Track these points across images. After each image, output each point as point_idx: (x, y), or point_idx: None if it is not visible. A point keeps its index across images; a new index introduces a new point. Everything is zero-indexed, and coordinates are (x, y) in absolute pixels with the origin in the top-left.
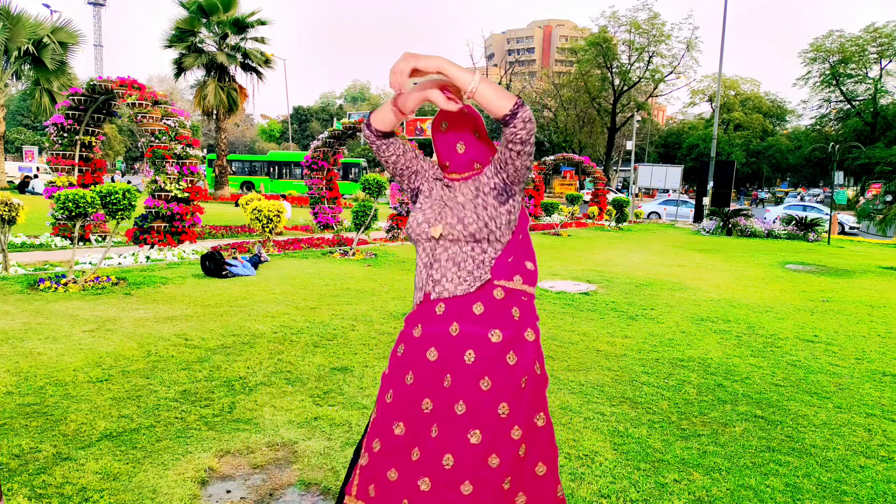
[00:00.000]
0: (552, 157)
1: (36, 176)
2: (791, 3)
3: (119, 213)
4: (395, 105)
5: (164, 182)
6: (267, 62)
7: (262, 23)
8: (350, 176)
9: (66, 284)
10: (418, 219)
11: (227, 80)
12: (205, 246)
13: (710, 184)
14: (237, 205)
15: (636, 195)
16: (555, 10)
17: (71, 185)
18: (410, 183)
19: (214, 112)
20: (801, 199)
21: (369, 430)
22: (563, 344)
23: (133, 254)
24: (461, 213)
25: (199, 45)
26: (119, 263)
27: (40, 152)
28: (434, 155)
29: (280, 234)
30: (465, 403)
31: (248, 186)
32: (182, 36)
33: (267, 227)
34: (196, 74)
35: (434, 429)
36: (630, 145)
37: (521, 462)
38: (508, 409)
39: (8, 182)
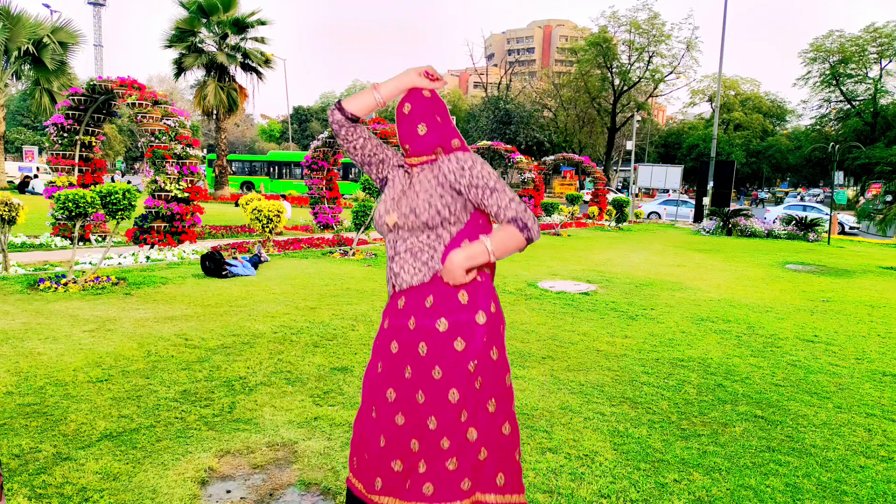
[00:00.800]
0: (552, 157)
1: (36, 176)
2: (791, 3)
3: (119, 213)
4: (377, 90)
5: (164, 182)
6: (267, 62)
7: (262, 23)
8: (350, 176)
9: (66, 284)
10: (380, 210)
11: (227, 80)
12: (205, 246)
13: (710, 184)
14: (237, 205)
15: (636, 195)
16: (555, 10)
17: (71, 185)
18: (378, 172)
19: (214, 112)
20: (801, 199)
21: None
22: (563, 344)
23: (133, 254)
24: (415, 201)
25: (199, 45)
26: (119, 263)
27: (40, 152)
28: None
29: (280, 234)
30: (423, 393)
31: (248, 186)
32: (182, 36)
33: (267, 227)
34: (196, 74)
35: (399, 417)
36: (630, 145)
37: (468, 445)
38: (458, 394)
39: (8, 182)
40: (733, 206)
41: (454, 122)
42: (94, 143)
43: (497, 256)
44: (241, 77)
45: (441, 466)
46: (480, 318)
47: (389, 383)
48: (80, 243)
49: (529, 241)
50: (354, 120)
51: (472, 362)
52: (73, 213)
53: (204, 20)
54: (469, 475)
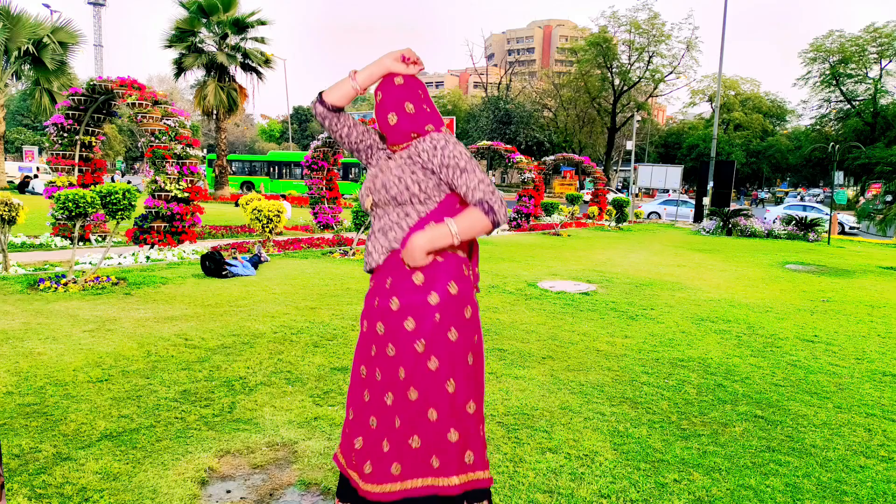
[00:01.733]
0: (552, 157)
1: (36, 176)
2: (791, 3)
3: (119, 213)
4: (354, 79)
5: (164, 182)
6: (267, 62)
7: (262, 23)
8: (350, 176)
9: (66, 284)
10: (361, 192)
11: (227, 80)
12: (205, 246)
13: (710, 184)
14: (237, 205)
15: (636, 195)
16: (555, 10)
17: (71, 185)
18: (368, 157)
19: (214, 112)
20: (801, 199)
21: None
22: (563, 344)
23: (133, 254)
24: (387, 177)
25: (199, 45)
26: (119, 263)
27: (40, 152)
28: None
29: (280, 234)
30: (380, 371)
31: (248, 186)
32: (182, 36)
33: (267, 227)
34: (196, 74)
35: (366, 393)
36: (630, 145)
37: (429, 425)
38: (405, 373)
39: (8, 182)
40: (733, 206)
41: (435, 106)
42: (94, 143)
43: (462, 238)
44: (241, 77)
45: (403, 444)
46: (433, 298)
47: (361, 361)
48: (80, 243)
49: (495, 224)
50: (337, 110)
51: (419, 341)
52: (73, 213)
53: (204, 20)
54: (436, 454)
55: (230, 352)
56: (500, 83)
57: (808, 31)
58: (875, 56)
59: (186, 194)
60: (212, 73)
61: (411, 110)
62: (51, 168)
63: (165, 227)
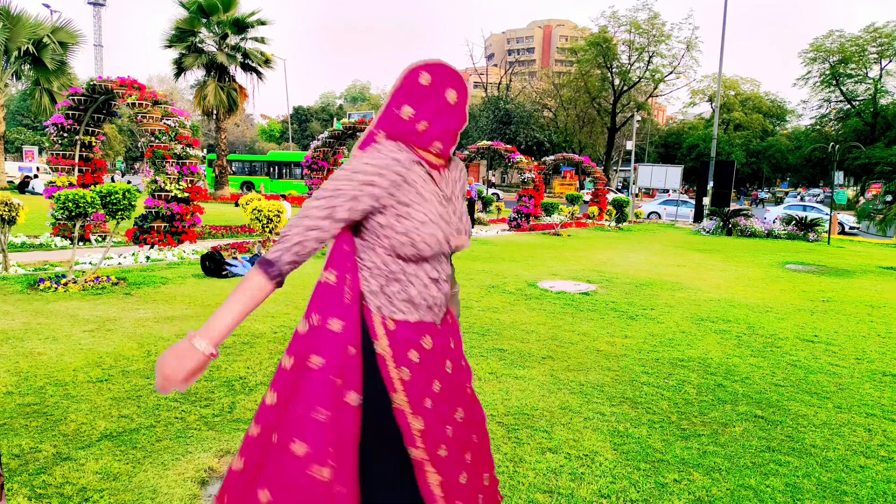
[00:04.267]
0: (552, 157)
1: (36, 176)
2: (791, 3)
3: (119, 213)
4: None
5: (164, 182)
6: (267, 62)
7: (262, 23)
8: None
9: (66, 284)
10: (444, 230)
11: (227, 80)
12: (205, 246)
13: (710, 184)
14: (237, 205)
15: (636, 195)
16: (555, 10)
17: (71, 185)
18: (391, 195)
19: (214, 112)
20: (801, 199)
21: None
22: (563, 344)
23: (133, 254)
24: (462, 211)
25: (199, 45)
26: (119, 263)
27: (40, 152)
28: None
29: (280, 234)
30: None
31: (248, 186)
32: (182, 36)
33: (267, 227)
34: (196, 74)
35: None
36: (630, 145)
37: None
38: (466, 413)
39: (8, 182)
40: (733, 206)
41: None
42: (94, 143)
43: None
44: (241, 77)
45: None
46: (302, 326)
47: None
48: (80, 243)
49: (273, 278)
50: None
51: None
52: (73, 213)
53: (204, 20)
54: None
55: (230, 352)
56: (500, 83)
57: (808, 31)
58: (875, 56)
59: (186, 194)
60: (212, 73)
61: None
62: (51, 168)
63: (165, 227)
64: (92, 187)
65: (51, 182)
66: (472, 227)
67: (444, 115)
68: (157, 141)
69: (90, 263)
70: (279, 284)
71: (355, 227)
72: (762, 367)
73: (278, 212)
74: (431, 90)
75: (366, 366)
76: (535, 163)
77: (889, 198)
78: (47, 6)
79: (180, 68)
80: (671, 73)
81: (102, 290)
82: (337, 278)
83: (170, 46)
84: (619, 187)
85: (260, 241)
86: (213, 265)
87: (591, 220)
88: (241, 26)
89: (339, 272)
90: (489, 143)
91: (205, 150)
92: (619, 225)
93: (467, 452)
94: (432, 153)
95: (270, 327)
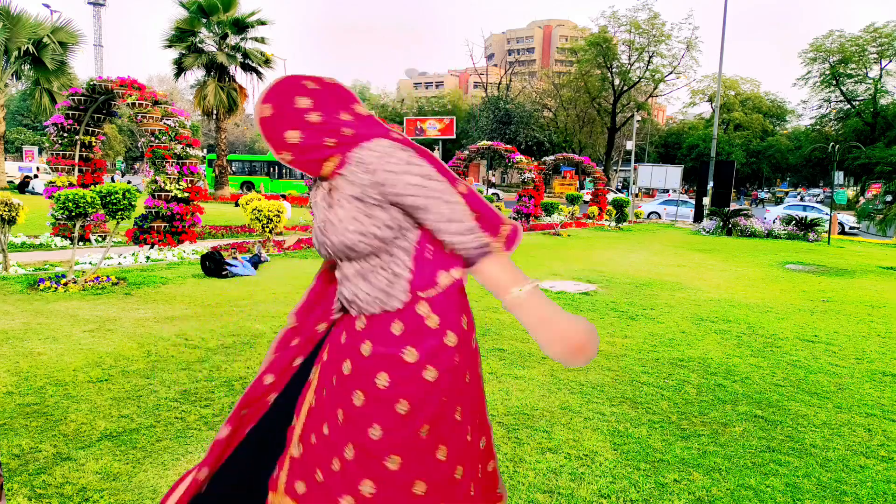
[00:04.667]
0: (552, 157)
1: (36, 176)
2: (791, 3)
3: (119, 213)
4: None
5: (164, 182)
6: (267, 62)
7: (262, 23)
8: None
9: (66, 284)
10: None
11: (227, 80)
12: (205, 246)
13: (710, 184)
14: (237, 205)
15: (636, 195)
16: (555, 10)
17: (71, 185)
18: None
19: (214, 112)
20: (801, 199)
21: None
22: None
23: (133, 254)
24: None
25: (199, 45)
26: (119, 263)
27: (40, 152)
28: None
29: (280, 233)
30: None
31: (248, 186)
32: (182, 36)
33: (267, 227)
34: (196, 74)
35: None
36: (630, 145)
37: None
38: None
39: (8, 182)
40: (733, 206)
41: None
42: (94, 143)
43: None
44: (241, 77)
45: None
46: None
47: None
48: (80, 243)
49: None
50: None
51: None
52: (73, 213)
53: (204, 20)
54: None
55: (230, 352)
56: (500, 83)
57: (808, 31)
58: (875, 56)
59: (186, 194)
60: (212, 73)
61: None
62: (51, 168)
63: (165, 227)
64: (92, 187)
65: (51, 182)
66: None
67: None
68: (157, 141)
69: (90, 263)
70: None
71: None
72: (762, 367)
73: (278, 212)
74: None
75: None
76: (535, 163)
77: (889, 198)
78: (47, 6)
79: (180, 68)
80: (671, 73)
81: (102, 290)
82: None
83: (170, 46)
84: (619, 187)
85: (260, 241)
86: (213, 265)
87: (591, 220)
88: (241, 26)
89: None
90: (489, 143)
91: (205, 150)
92: (619, 225)
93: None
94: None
95: (270, 327)
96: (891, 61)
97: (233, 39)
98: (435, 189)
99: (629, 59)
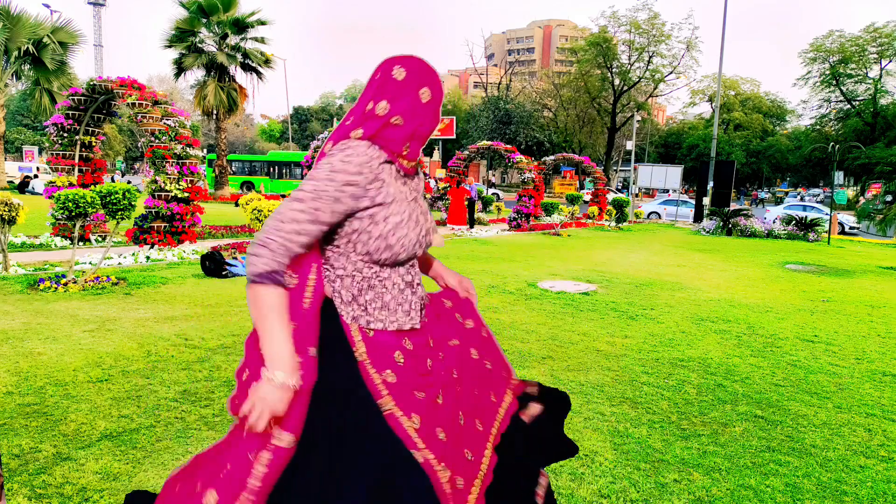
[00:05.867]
0: (552, 157)
1: (36, 176)
2: (791, 3)
3: (119, 213)
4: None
5: (164, 182)
6: (267, 62)
7: (262, 23)
8: None
9: (66, 284)
10: (410, 236)
11: (227, 80)
12: (205, 246)
13: (710, 184)
14: (237, 205)
15: (636, 195)
16: (555, 10)
17: (71, 185)
18: (368, 201)
19: (214, 112)
20: (801, 199)
21: None
22: (563, 344)
23: (133, 254)
24: (428, 218)
25: (199, 45)
26: (119, 263)
27: (40, 152)
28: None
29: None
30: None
31: (248, 186)
32: (182, 36)
33: None
34: (196, 74)
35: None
36: (630, 145)
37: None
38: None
39: (8, 182)
40: (733, 206)
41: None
42: (94, 143)
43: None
44: (241, 77)
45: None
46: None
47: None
48: (80, 243)
49: (284, 286)
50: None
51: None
52: (73, 213)
53: (204, 20)
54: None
55: (230, 352)
56: (500, 83)
57: (808, 31)
58: (875, 56)
59: (186, 194)
60: (212, 73)
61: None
62: (51, 168)
63: (165, 227)
64: (92, 187)
65: (51, 182)
66: (473, 228)
67: (418, 114)
68: (157, 141)
69: (90, 263)
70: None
71: (327, 233)
72: (762, 367)
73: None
74: (405, 85)
75: (348, 375)
76: (535, 163)
77: (889, 198)
78: (47, 6)
79: (180, 68)
80: (671, 73)
81: (102, 290)
82: (298, 283)
83: (170, 46)
84: (619, 187)
85: None
86: (213, 265)
87: (591, 220)
88: (241, 26)
89: (301, 276)
90: (489, 143)
91: (205, 150)
92: (619, 225)
93: (465, 413)
94: (403, 154)
95: None
96: (891, 61)
97: (233, 39)
98: None
99: (629, 59)
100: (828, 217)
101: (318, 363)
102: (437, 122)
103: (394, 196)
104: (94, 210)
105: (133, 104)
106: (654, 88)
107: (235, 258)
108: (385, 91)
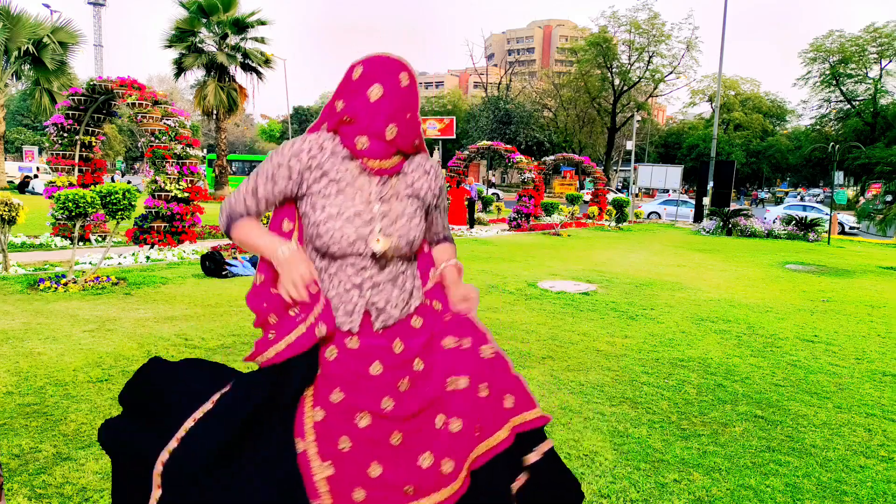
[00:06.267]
0: (552, 157)
1: (36, 176)
2: (791, 3)
3: (119, 213)
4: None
5: (164, 182)
6: (267, 62)
7: (262, 23)
8: None
9: (66, 284)
10: (354, 229)
11: (227, 80)
12: (205, 246)
13: (710, 184)
14: None
15: (636, 195)
16: (555, 10)
17: (71, 185)
18: (307, 186)
19: (214, 112)
20: (801, 199)
21: None
22: (563, 344)
23: (133, 254)
24: (399, 215)
25: (199, 45)
26: (119, 263)
27: (40, 152)
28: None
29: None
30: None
31: None
32: (182, 36)
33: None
34: (196, 74)
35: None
36: (630, 145)
37: None
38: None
39: (8, 182)
40: (733, 206)
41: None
42: (94, 143)
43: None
44: (241, 77)
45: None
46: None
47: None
48: (80, 243)
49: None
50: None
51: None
52: (73, 213)
53: (204, 20)
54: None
55: (230, 352)
56: (500, 83)
57: (808, 31)
58: (875, 56)
59: (186, 194)
60: (212, 73)
61: (409, 119)
62: (51, 168)
63: (165, 227)
64: (92, 187)
65: (51, 182)
66: (473, 228)
67: (368, 112)
68: (157, 141)
69: (90, 263)
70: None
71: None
72: (762, 367)
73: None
74: (358, 85)
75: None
76: (535, 163)
77: (889, 198)
78: (47, 6)
79: (180, 68)
80: (671, 73)
81: (102, 290)
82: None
83: (170, 46)
84: (619, 187)
85: None
86: (213, 265)
87: (591, 220)
88: (241, 26)
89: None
90: (489, 143)
91: (205, 150)
92: (619, 225)
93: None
94: (359, 149)
95: None
96: (891, 61)
97: (233, 39)
98: None
99: (629, 59)
100: (828, 217)
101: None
102: (397, 118)
103: (340, 190)
104: (94, 210)
105: (133, 104)
106: (654, 88)
107: (235, 258)
108: (343, 90)
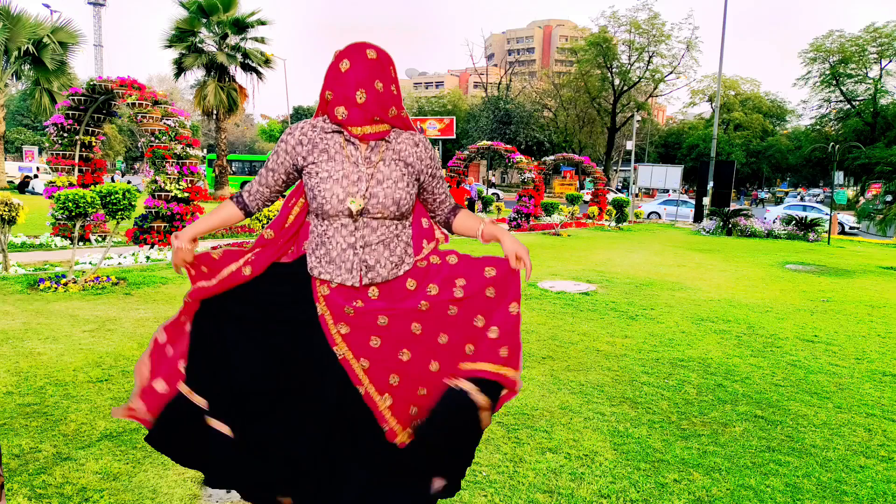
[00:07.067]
0: (552, 157)
1: (36, 176)
2: (791, 3)
3: (119, 213)
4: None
5: (164, 182)
6: (267, 62)
7: (262, 23)
8: None
9: (66, 284)
10: (333, 190)
11: (227, 80)
12: (205, 246)
13: (710, 184)
14: None
15: (636, 195)
16: (555, 10)
17: (71, 185)
18: (305, 162)
19: (214, 112)
20: (801, 199)
21: None
22: (563, 344)
23: (133, 254)
24: (382, 180)
25: (199, 45)
26: (119, 263)
27: (40, 152)
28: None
29: None
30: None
31: None
32: (182, 36)
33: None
34: (196, 74)
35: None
36: (630, 145)
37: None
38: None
39: (8, 182)
40: (733, 206)
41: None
42: (94, 143)
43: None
44: (241, 77)
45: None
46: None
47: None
48: (80, 243)
49: (242, 208)
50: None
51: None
52: (73, 213)
53: (204, 20)
54: None
55: None
56: (500, 83)
57: (808, 31)
58: (875, 56)
59: (186, 194)
60: (212, 73)
61: (380, 88)
62: (51, 168)
63: (165, 227)
64: (92, 187)
65: (51, 182)
66: None
67: (339, 81)
68: (157, 141)
69: (90, 263)
70: (248, 215)
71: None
72: (762, 367)
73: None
74: (333, 65)
75: (306, 320)
76: (535, 163)
77: (889, 198)
78: (47, 6)
79: (180, 68)
80: (671, 73)
81: (102, 290)
82: (275, 235)
83: (170, 46)
84: (619, 187)
85: None
86: None
87: (591, 220)
88: (241, 26)
89: (276, 229)
90: (489, 143)
91: (205, 150)
92: (619, 225)
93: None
94: (340, 119)
95: None
96: (891, 61)
97: (233, 39)
98: None
99: (629, 59)
100: (828, 217)
101: (283, 297)
102: (365, 84)
103: (331, 157)
104: (94, 210)
105: (133, 104)
106: (654, 88)
107: None
108: (326, 79)
